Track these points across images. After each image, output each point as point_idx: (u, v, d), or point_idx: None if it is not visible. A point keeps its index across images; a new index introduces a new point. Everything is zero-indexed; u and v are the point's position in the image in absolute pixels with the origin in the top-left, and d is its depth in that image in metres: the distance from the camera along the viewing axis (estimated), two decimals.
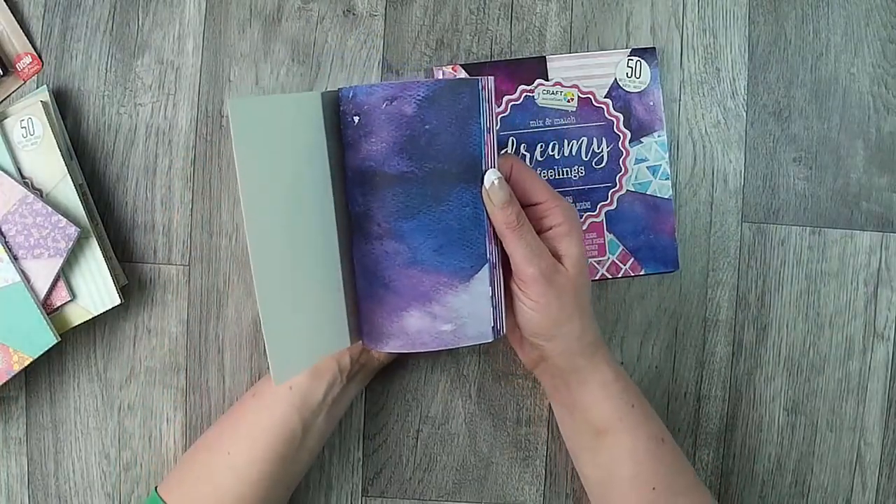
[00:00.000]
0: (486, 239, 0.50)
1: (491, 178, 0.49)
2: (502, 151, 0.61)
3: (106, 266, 0.59)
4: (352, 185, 0.50)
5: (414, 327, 0.49)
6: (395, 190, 0.48)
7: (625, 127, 0.62)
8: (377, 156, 0.48)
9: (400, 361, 0.63)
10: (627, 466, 0.53)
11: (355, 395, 0.60)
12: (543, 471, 0.63)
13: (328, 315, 0.51)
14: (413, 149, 0.48)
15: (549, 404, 0.62)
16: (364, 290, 0.51)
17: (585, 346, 0.53)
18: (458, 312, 0.49)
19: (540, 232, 0.52)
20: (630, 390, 0.55)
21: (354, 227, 0.51)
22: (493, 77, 0.51)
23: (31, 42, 0.61)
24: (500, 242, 0.51)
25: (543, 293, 0.50)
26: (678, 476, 0.54)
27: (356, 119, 0.49)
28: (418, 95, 0.48)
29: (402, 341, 0.50)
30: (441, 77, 0.60)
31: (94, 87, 0.62)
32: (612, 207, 0.62)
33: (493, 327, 0.50)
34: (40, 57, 0.62)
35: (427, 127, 0.48)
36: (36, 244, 0.57)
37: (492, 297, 0.50)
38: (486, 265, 0.50)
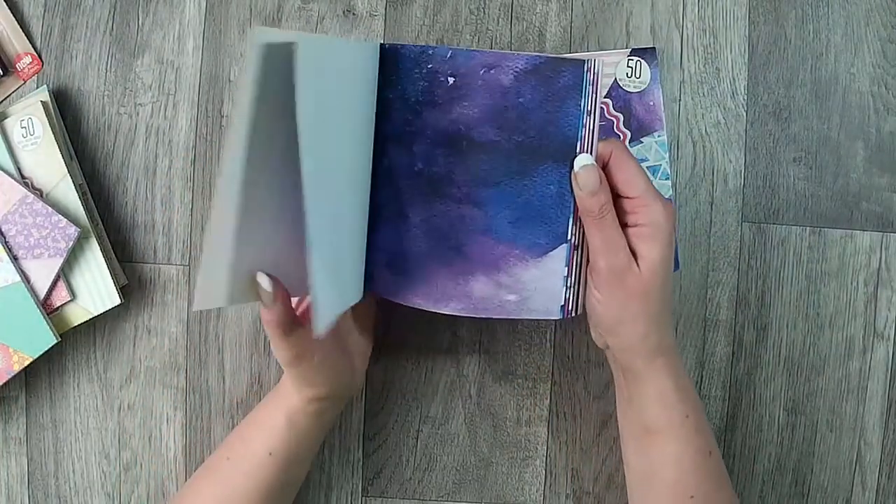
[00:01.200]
0: (571, 220, 0.50)
1: (581, 162, 0.48)
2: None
3: (106, 266, 0.59)
4: (434, 146, 0.50)
5: (478, 293, 0.50)
6: (480, 157, 0.49)
7: (625, 127, 0.62)
8: (467, 120, 0.49)
9: (400, 363, 0.63)
10: (671, 472, 0.53)
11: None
12: (543, 471, 0.63)
13: (355, 268, 0.51)
14: (503, 119, 0.48)
15: (549, 404, 0.62)
16: (430, 251, 0.51)
17: (647, 350, 0.51)
18: (524, 285, 0.49)
19: (624, 227, 0.50)
20: (687, 401, 0.53)
21: (429, 186, 0.50)
22: (602, 60, 0.50)
23: (31, 42, 0.61)
24: None
25: (609, 290, 0.50)
26: (719, 491, 0.54)
27: (451, 80, 0.49)
28: (517, 67, 0.48)
29: (464, 305, 0.50)
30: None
31: (94, 87, 0.62)
32: None
33: (562, 306, 0.50)
34: (40, 57, 0.62)
35: (521, 100, 0.48)
36: (36, 244, 0.57)
37: (566, 277, 0.50)
38: (566, 245, 0.50)
